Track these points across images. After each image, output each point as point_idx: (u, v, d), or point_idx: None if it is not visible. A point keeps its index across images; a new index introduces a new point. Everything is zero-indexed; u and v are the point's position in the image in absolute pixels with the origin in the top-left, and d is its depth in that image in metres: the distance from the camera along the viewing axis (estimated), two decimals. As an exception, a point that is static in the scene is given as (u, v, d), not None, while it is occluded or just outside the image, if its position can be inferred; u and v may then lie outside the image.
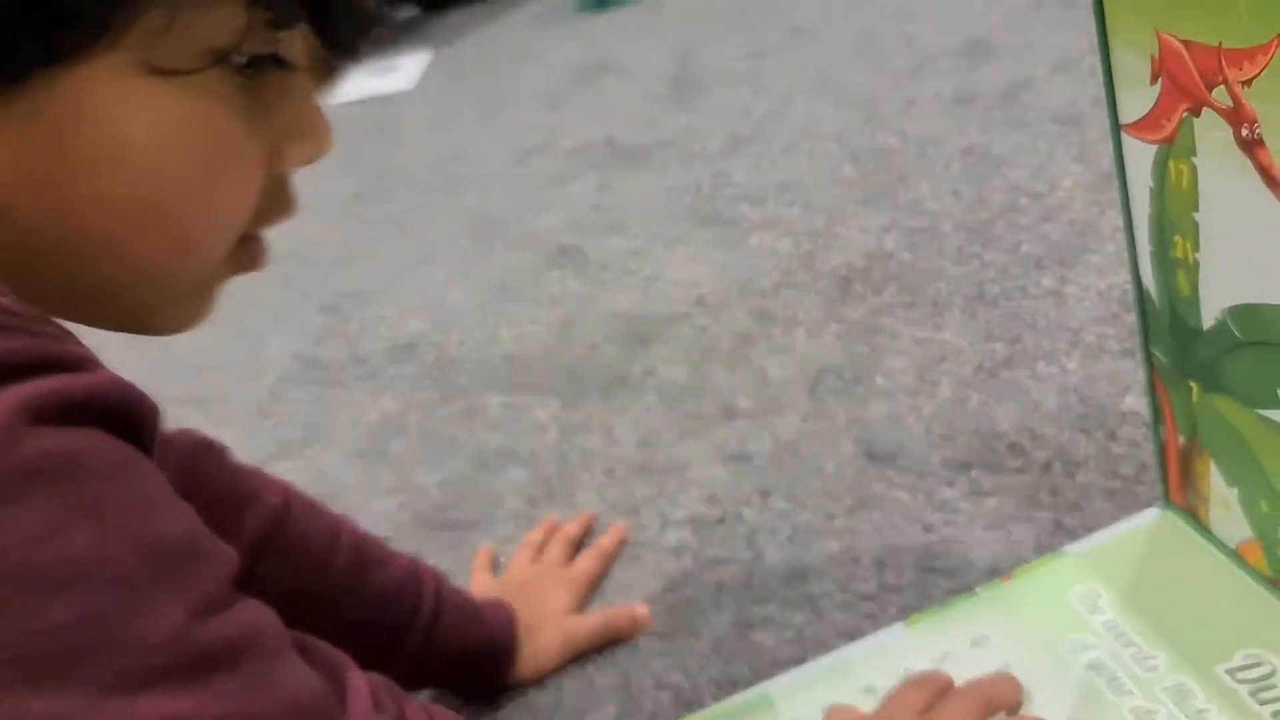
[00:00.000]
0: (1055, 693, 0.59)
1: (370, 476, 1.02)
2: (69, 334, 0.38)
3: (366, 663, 0.66)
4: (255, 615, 0.39)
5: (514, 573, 0.82)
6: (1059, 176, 1.09)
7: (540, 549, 0.84)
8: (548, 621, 0.75)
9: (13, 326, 0.35)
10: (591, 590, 0.80)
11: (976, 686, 0.59)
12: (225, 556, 0.39)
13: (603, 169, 1.50)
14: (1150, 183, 0.55)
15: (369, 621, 0.68)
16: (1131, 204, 0.57)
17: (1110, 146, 0.57)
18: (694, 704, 0.68)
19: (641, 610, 0.76)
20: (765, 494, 0.83)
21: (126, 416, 0.37)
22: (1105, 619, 0.63)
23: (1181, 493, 0.66)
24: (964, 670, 0.62)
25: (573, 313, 1.17)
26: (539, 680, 0.74)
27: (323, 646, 0.42)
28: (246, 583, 0.43)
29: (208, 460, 0.64)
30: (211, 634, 0.36)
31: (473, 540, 0.88)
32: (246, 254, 0.48)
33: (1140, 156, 0.55)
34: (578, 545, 0.85)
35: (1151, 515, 0.69)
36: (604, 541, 0.84)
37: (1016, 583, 0.67)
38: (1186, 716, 0.56)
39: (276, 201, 0.47)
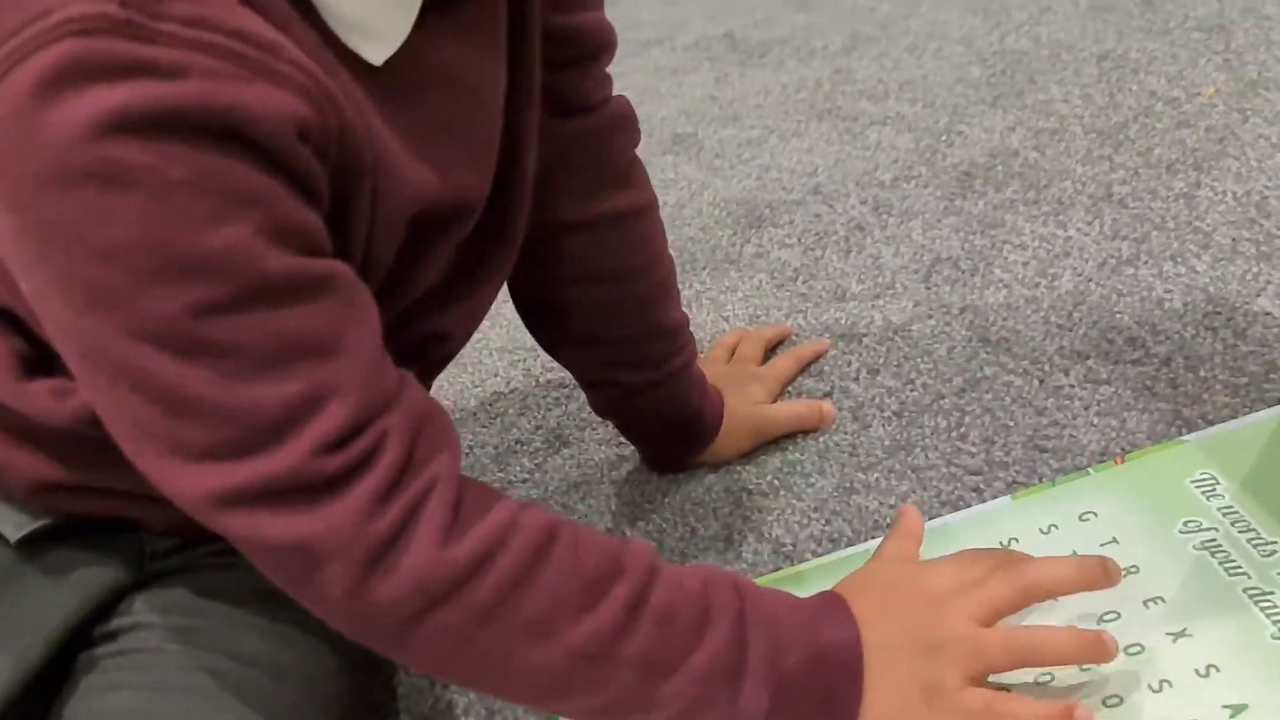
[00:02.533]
0: (1165, 570, 0.59)
1: (481, 335, 1.04)
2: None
3: (604, 371, 0.76)
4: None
5: (709, 369, 0.82)
6: (1199, 84, 1.06)
7: (733, 350, 0.88)
8: (741, 411, 0.78)
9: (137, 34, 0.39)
10: (783, 388, 0.84)
11: (1027, 570, 0.54)
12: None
13: (720, 63, 1.48)
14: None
15: (643, 337, 0.73)
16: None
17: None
18: (793, 558, 0.69)
19: (829, 407, 0.80)
20: (873, 371, 0.83)
21: (224, 125, 0.41)
22: (1222, 504, 0.62)
23: (1312, 387, 0.65)
24: (1070, 542, 0.62)
25: (684, 197, 1.17)
26: (727, 462, 0.78)
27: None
28: (587, 236, 0.70)
29: (622, 134, 0.71)
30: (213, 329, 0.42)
31: (580, 396, 0.90)
32: None
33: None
34: (771, 349, 0.88)
35: (1278, 412, 0.67)
36: (803, 347, 0.87)
37: (1131, 465, 0.67)
38: (1303, 598, 0.55)
39: None
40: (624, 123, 0.70)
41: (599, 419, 0.87)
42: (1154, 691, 0.53)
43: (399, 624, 0.45)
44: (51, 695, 0.57)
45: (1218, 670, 0.53)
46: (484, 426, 0.91)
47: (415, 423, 0.47)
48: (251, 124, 0.41)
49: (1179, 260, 0.84)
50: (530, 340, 1.00)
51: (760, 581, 0.67)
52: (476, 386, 0.97)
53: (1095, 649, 0.52)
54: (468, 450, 0.89)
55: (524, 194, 0.62)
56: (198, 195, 0.41)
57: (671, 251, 1.06)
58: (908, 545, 0.59)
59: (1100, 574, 0.54)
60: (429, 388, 0.71)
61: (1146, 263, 0.84)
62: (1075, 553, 0.61)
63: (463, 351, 1.02)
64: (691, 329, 0.94)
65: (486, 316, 1.05)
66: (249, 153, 0.42)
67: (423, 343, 0.60)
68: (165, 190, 0.40)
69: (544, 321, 0.76)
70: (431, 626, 0.45)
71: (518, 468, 0.85)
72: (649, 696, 0.48)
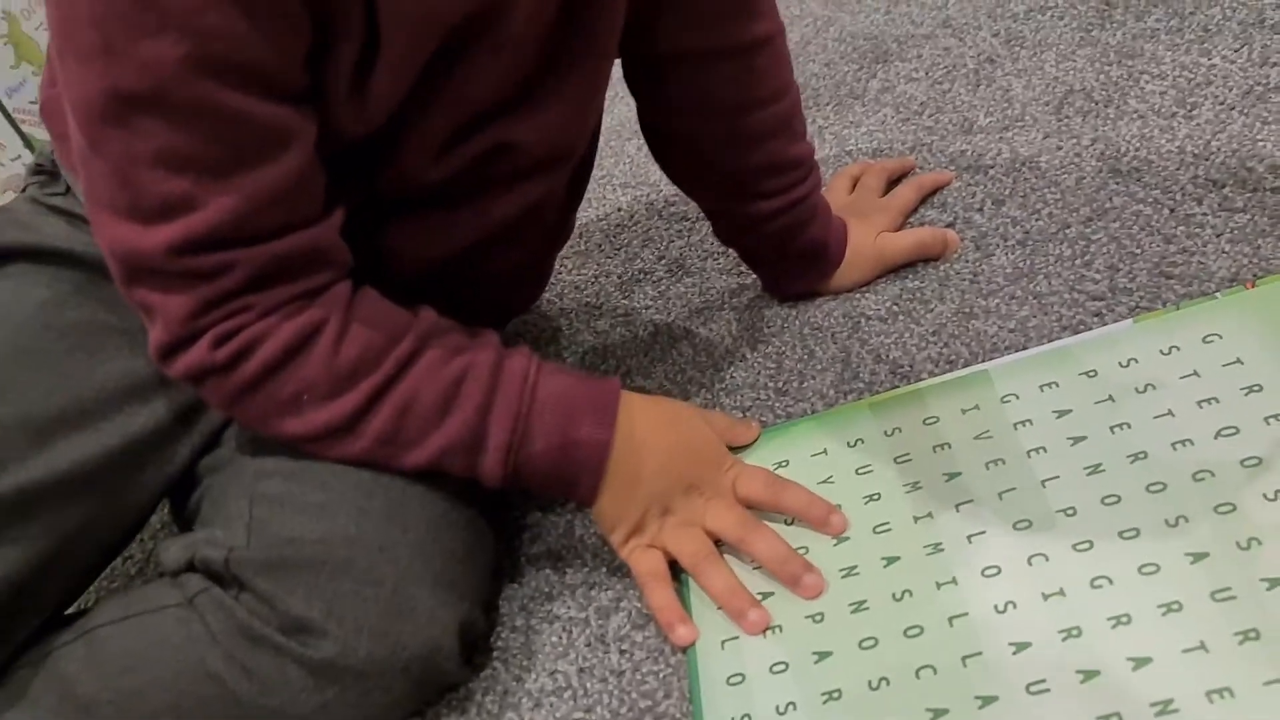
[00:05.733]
0: (1288, 388, 0.59)
1: (604, 171, 1.06)
2: None
3: (727, 202, 0.78)
4: None
5: (831, 199, 0.84)
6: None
7: (855, 181, 0.89)
8: (864, 240, 0.80)
9: None
10: (905, 218, 0.84)
11: (785, 486, 0.63)
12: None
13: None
14: None
15: (761, 169, 0.74)
16: None
17: None
18: (910, 378, 0.71)
19: (953, 234, 0.80)
20: (999, 202, 0.82)
21: None
22: (1355, 325, 0.61)
23: None
24: (1191, 363, 0.62)
25: (810, 33, 1.16)
26: (851, 290, 0.80)
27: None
28: (711, 66, 0.70)
29: None
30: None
31: (702, 229, 0.92)
32: None
33: None
34: (893, 181, 0.88)
35: None
36: (925, 177, 0.87)
37: (1262, 289, 0.66)
38: None
39: None
40: None
41: (720, 249, 0.89)
42: (1269, 500, 0.54)
43: (187, 382, 0.58)
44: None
45: (1335, 482, 0.54)
46: (608, 257, 0.94)
47: (268, 267, 0.56)
48: None
49: (1331, 86, 0.80)
50: (653, 175, 1.03)
51: (876, 400, 0.70)
52: (601, 220, 0.99)
53: (792, 577, 0.59)
54: (593, 279, 0.92)
55: (608, 12, 0.63)
56: (143, 8, 0.48)
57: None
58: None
59: (823, 520, 0.62)
60: (558, 205, 0.73)
61: (1295, 89, 0.81)
62: (1196, 373, 0.62)
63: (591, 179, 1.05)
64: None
65: (611, 154, 1.08)
66: None
67: (491, 151, 0.64)
68: None
69: (668, 152, 0.77)
70: (206, 391, 0.58)
71: (641, 295, 0.88)
72: (391, 457, 0.60)
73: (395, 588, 0.57)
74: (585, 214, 1.01)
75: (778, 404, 0.73)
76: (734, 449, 0.68)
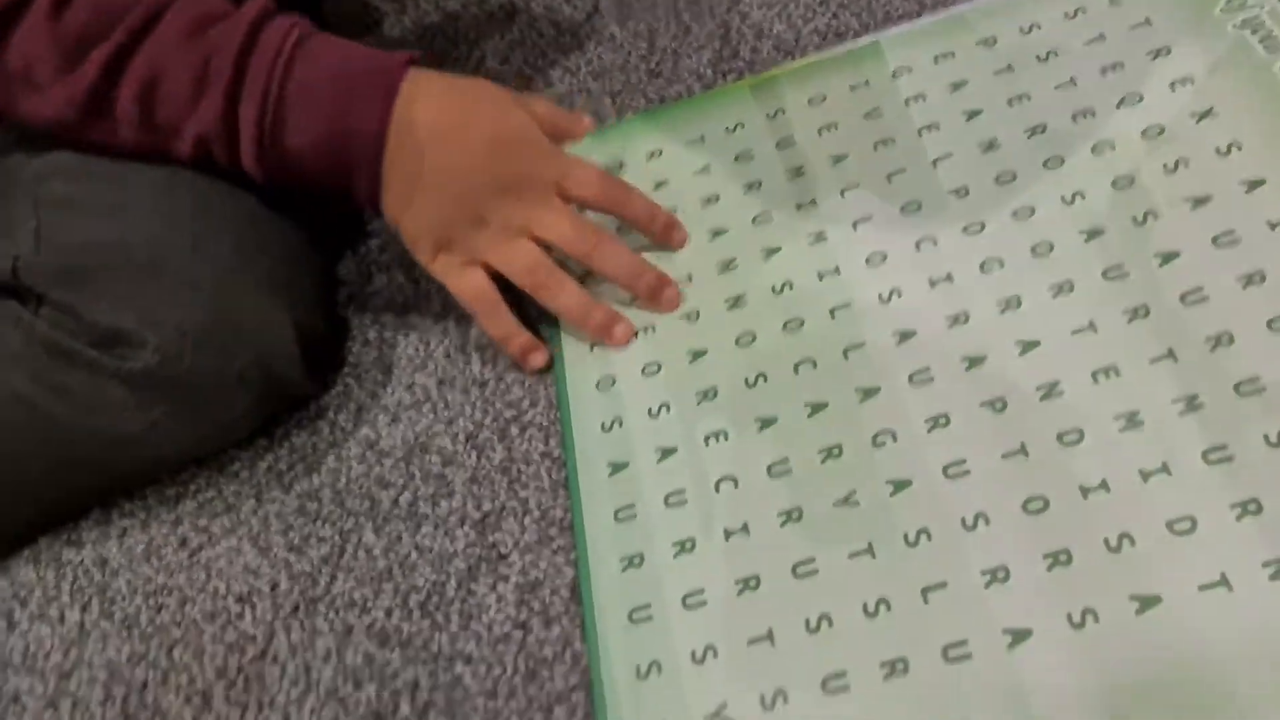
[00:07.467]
0: (1197, 50, 0.54)
1: None
2: None
3: None
4: None
5: None
6: None
7: None
8: None
9: None
10: None
11: (621, 185, 0.56)
12: None
13: None
14: None
15: None
16: None
17: None
18: (795, 53, 0.64)
19: None
20: None
21: None
22: (1277, -18, 0.56)
23: None
24: (1094, 26, 0.57)
25: None
26: None
27: None
28: None
29: None
30: None
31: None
32: None
33: None
34: None
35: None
36: None
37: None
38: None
39: None
40: None
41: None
42: (1169, 172, 0.51)
43: None
44: None
45: (1239, 149, 0.50)
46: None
47: None
48: None
49: None
50: None
51: (757, 80, 0.63)
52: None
53: (650, 290, 0.54)
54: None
55: None
56: None
57: None
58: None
59: (665, 235, 0.56)
60: None
61: None
62: (1102, 36, 0.57)
63: None
64: None
65: None
66: None
67: None
68: None
69: None
70: None
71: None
72: (159, 146, 0.52)
73: (216, 289, 0.51)
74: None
75: (650, 87, 0.66)
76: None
